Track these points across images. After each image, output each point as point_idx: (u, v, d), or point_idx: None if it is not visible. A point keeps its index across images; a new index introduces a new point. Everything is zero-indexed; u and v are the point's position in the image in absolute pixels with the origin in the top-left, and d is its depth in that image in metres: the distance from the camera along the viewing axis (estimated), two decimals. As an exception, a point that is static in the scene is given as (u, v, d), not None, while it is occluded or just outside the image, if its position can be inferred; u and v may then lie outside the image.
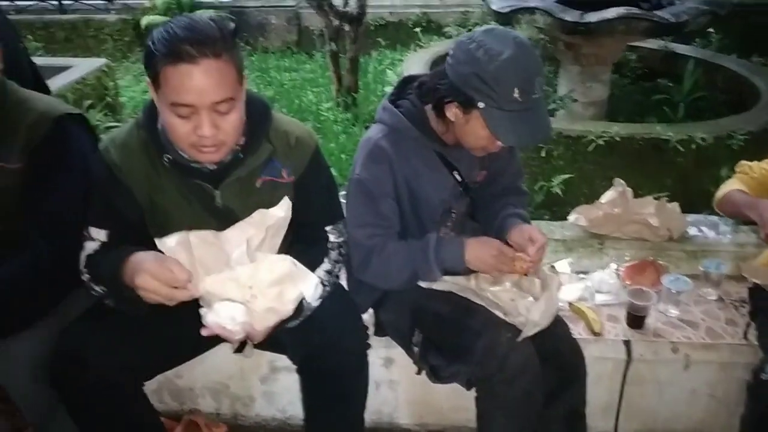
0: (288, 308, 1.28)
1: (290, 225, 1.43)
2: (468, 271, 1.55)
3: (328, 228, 1.50)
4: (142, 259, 1.24)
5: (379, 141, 1.49)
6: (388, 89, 4.27)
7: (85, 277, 1.36)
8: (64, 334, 1.37)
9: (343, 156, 3.57)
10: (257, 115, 1.39)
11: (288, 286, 1.27)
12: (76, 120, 1.47)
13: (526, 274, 1.51)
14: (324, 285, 1.44)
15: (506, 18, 3.40)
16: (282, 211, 1.38)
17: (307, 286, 1.32)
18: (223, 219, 1.38)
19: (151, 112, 1.36)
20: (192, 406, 1.93)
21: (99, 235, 1.38)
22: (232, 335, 1.27)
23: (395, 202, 1.52)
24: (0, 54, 1.41)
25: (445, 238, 1.55)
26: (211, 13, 5.21)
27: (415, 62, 3.86)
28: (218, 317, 1.24)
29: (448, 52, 1.41)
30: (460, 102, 1.38)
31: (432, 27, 5.55)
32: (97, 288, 1.35)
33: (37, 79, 2.92)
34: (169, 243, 1.29)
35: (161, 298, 1.21)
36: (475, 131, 1.40)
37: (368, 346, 1.50)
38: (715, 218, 2.08)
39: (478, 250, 1.50)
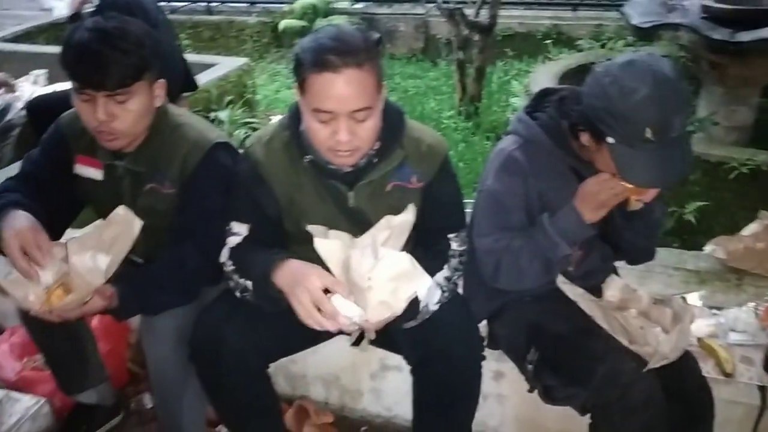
0: (400, 305, 1.31)
1: (414, 230, 1.46)
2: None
3: (450, 236, 1.52)
4: (305, 273, 1.30)
5: (513, 152, 1.48)
6: (513, 100, 4.26)
7: (229, 269, 1.47)
8: (205, 314, 1.49)
9: (461, 164, 3.58)
10: (392, 121, 1.44)
11: (404, 284, 1.30)
12: (223, 147, 1.60)
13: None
14: (443, 291, 1.46)
15: (646, 33, 3.27)
16: (408, 215, 1.42)
17: (422, 287, 1.33)
18: (354, 220, 1.45)
19: (295, 115, 1.46)
20: (303, 393, 2.02)
21: (241, 229, 1.49)
22: (347, 324, 1.31)
23: (525, 216, 1.50)
24: (164, 85, 1.55)
25: (554, 212, 1.46)
26: (344, 18, 5.43)
27: (544, 74, 3.80)
28: (339, 306, 1.29)
29: (587, 77, 1.37)
30: (591, 132, 1.35)
31: (562, 39, 5.42)
32: (240, 280, 1.44)
33: (187, 75, 3.19)
34: (329, 245, 1.36)
35: (308, 319, 1.28)
36: (605, 161, 1.35)
37: (483, 357, 1.50)
38: None
39: (582, 194, 1.41)
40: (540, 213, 1.50)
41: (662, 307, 1.46)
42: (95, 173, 1.62)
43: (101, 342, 1.89)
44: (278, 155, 1.47)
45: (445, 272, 1.48)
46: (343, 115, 1.30)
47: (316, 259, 1.35)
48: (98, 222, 1.54)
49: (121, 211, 1.52)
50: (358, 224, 1.45)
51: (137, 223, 1.52)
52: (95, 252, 1.45)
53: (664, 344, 1.38)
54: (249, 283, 1.43)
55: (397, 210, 1.46)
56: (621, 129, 1.27)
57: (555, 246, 1.44)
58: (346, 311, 1.29)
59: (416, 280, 1.31)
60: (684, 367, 1.46)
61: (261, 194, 1.48)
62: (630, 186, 1.34)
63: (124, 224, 1.52)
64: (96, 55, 1.39)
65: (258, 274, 1.39)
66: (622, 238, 1.56)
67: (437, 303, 1.43)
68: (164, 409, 1.67)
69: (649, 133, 1.24)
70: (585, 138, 1.38)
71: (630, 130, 1.26)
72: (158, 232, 1.60)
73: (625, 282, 1.58)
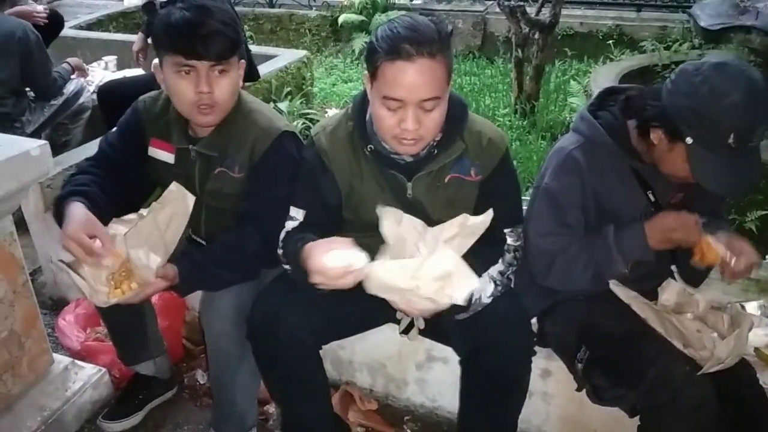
0: (445, 302, 1.32)
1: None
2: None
3: (506, 230, 1.53)
4: (312, 247, 1.34)
5: (573, 152, 1.48)
6: (571, 100, 4.20)
7: (280, 251, 1.53)
8: (263, 294, 1.55)
9: (515, 163, 3.54)
10: (455, 113, 1.46)
11: (450, 284, 1.30)
12: (290, 135, 1.66)
13: (722, 272, 1.40)
14: (496, 285, 1.47)
15: (715, 36, 3.17)
16: (485, 217, 1.41)
17: (468, 287, 1.32)
18: (411, 210, 1.47)
19: (361, 105, 1.50)
20: (349, 378, 2.05)
21: (298, 214, 1.54)
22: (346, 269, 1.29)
23: (582, 214, 1.50)
24: (244, 66, 1.61)
25: (622, 227, 1.47)
26: (402, 13, 5.44)
27: (605, 75, 3.73)
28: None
29: (668, 76, 1.36)
30: (668, 130, 1.33)
31: (624, 40, 5.30)
32: (285, 265, 1.51)
33: (251, 64, 3.28)
34: (387, 211, 1.39)
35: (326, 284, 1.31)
36: (676, 162, 1.34)
37: (534, 352, 1.50)
38: None
39: (658, 223, 1.42)
40: (596, 213, 1.49)
41: (720, 313, 1.43)
42: (168, 156, 1.70)
43: (160, 317, 1.97)
44: (342, 144, 1.51)
45: (499, 266, 1.49)
46: (412, 103, 1.32)
47: (370, 247, 1.36)
48: (154, 204, 1.60)
49: (174, 187, 1.59)
50: (414, 214, 1.46)
51: (190, 199, 1.59)
52: (149, 249, 1.51)
53: (720, 349, 1.35)
54: (289, 267, 1.49)
55: (454, 202, 1.48)
56: (705, 131, 1.25)
57: (612, 262, 1.45)
58: (342, 260, 1.28)
59: (463, 281, 1.31)
60: (740, 374, 1.42)
61: (324, 181, 1.53)
62: (708, 241, 1.35)
63: (178, 201, 1.59)
64: (201, 26, 1.47)
65: (292, 256, 1.45)
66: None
67: (490, 296, 1.45)
68: (219, 384, 1.73)
69: (732, 139, 1.23)
70: (656, 136, 1.36)
71: (714, 133, 1.25)
72: (223, 214, 1.67)
73: (681, 286, 1.56)
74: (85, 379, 1.96)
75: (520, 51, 4.18)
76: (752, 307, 1.83)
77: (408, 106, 1.33)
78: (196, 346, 2.22)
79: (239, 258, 1.60)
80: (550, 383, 1.79)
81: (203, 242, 1.76)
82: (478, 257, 1.40)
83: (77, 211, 1.50)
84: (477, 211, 1.48)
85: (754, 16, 3.10)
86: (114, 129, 1.76)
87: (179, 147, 1.67)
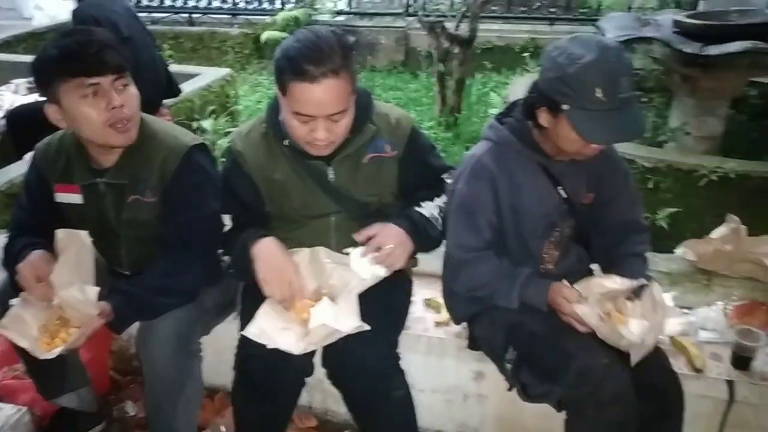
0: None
1: (412, 189, 1.65)
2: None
3: (444, 175, 1.68)
4: (261, 249, 1.51)
5: (482, 157, 1.56)
6: (492, 111, 4.33)
7: (224, 256, 1.63)
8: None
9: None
10: (362, 103, 1.55)
11: (330, 331, 1.46)
12: (199, 149, 1.64)
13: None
14: (440, 211, 1.63)
15: (620, 47, 3.36)
16: (373, 279, 1.54)
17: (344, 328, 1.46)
18: (335, 194, 1.57)
19: (274, 106, 1.57)
20: (286, 397, 2.03)
21: (226, 220, 1.62)
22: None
23: (494, 218, 1.56)
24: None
25: (535, 277, 1.56)
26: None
27: (522, 86, 3.87)
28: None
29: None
30: (548, 107, 1.42)
31: (539, 52, 5.51)
32: (225, 258, 1.59)
33: (170, 81, 3.23)
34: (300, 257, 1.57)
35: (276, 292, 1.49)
36: (565, 134, 1.42)
37: (393, 371, 1.56)
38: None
39: (560, 296, 1.51)
40: (511, 213, 1.55)
41: (637, 300, 1.50)
42: (75, 198, 1.64)
43: (84, 349, 1.87)
44: (256, 144, 1.58)
45: (441, 200, 1.66)
46: (321, 117, 1.40)
47: (299, 239, 1.55)
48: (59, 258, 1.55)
49: (60, 234, 1.54)
50: (339, 199, 1.58)
51: (83, 235, 1.56)
52: (81, 283, 1.47)
53: (640, 333, 1.42)
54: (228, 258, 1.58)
55: (376, 180, 1.60)
56: (574, 93, 1.35)
57: (509, 300, 1.55)
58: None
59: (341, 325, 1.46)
60: (655, 363, 1.50)
61: (241, 184, 1.59)
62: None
63: (74, 244, 1.54)
64: (92, 43, 1.45)
65: (239, 255, 1.54)
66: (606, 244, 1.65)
67: (437, 217, 1.62)
68: (157, 413, 1.67)
69: (599, 93, 1.32)
70: (543, 117, 1.45)
71: (582, 92, 1.34)
72: (144, 242, 1.63)
73: (598, 279, 1.61)
74: (3, 420, 1.84)
75: (441, 65, 4.29)
76: (666, 299, 1.94)
77: (318, 119, 1.40)
78: (123, 377, 2.14)
79: (176, 282, 1.57)
80: (483, 385, 1.84)
81: (126, 273, 1.71)
82: (423, 197, 1.63)
83: (36, 252, 1.54)
84: (406, 184, 1.62)
85: (655, 28, 3.32)
86: (22, 190, 1.72)
87: (84, 184, 1.62)
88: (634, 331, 1.44)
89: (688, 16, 3.26)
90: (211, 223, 1.60)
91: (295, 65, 1.35)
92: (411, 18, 5.83)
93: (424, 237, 1.57)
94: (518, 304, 1.55)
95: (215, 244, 1.62)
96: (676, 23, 3.22)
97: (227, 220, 1.66)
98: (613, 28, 3.40)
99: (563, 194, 1.57)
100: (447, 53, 4.27)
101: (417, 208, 1.60)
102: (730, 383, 1.69)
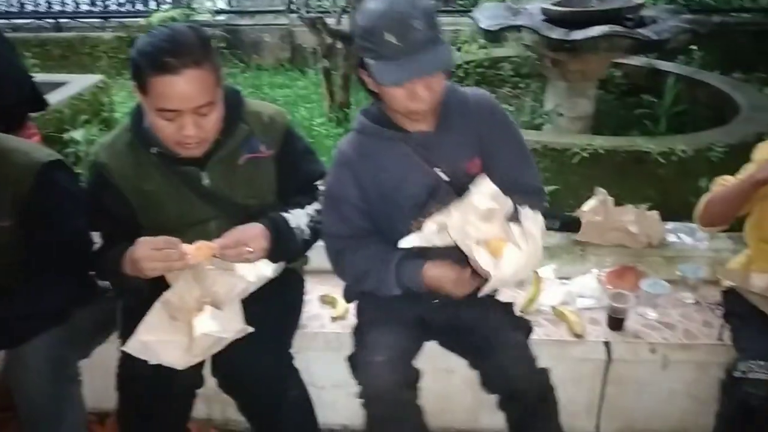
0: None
1: (284, 191, 1.62)
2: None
3: (318, 182, 1.63)
4: (133, 250, 1.41)
5: (342, 146, 1.56)
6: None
7: (95, 274, 1.53)
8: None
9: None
10: (231, 102, 1.51)
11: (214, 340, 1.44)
12: (55, 164, 1.54)
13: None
14: (311, 219, 1.59)
15: (494, 36, 3.50)
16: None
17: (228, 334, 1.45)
18: (212, 199, 1.52)
19: (138, 113, 1.49)
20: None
21: (96, 237, 1.52)
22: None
23: (361, 204, 1.54)
24: None
25: (408, 258, 1.51)
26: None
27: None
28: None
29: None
30: (364, 68, 1.41)
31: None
32: (102, 282, 1.50)
33: (35, 93, 2.98)
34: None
35: (159, 264, 1.37)
36: (384, 92, 1.41)
37: (287, 371, 1.57)
38: (693, 225, 2.14)
39: (436, 270, 1.48)
40: (379, 198, 1.52)
41: (516, 224, 1.41)
42: None
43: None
44: (122, 154, 1.50)
45: (315, 206, 1.61)
46: (187, 111, 1.35)
47: None
48: None
49: None
50: (217, 204, 1.53)
51: None
52: None
53: (513, 263, 1.38)
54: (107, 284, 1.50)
55: (253, 181, 1.55)
56: (370, 44, 1.35)
57: (389, 287, 1.52)
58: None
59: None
60: (507, 357, 1.50)
61: (108, 197, 1.51)
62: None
63: None
64: None
65: (110, 270, 1.45)
66: None
67: (306, 227, 1.57)
68: None
69: (391, 38, 1.32)
70: (368, 81, 1.44)
71: (375, 41, 1.34)
72: (2, 269, 1.51)
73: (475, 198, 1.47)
74: None
75: (326, 61, 4.28)
76: (546, 272, 2.05)
77: (184, 114, 1.35)
78: (2, 412, 1.98)
79: (40, 305, 1.48)
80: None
81: None
82: (296, 204, 1.57)
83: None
84: (281, 186, 1.59)
85: (525, 17, 3.49)
86: None
87: None
88: (507, 259, 1.37)
89: (554, 4, 3.45)
90: (76, 243, 1.51)
91: (153, 59, 1.31)
92: (293, 15, 5.78)
93: (284, 242, 1.52)
94: (401, 291, 1.52)
95: (83, 263, 1.53)
96: (544, 11, 3.41)
97: (97, 237, 1.57)
98: (486, 17, 3.55)
99: (444, 177, 1.50)
100: (331, 49, 4.26)
101: (284, 214, 1.55)
102: (607, 344, 1.81)
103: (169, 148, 1.45)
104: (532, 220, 1.41)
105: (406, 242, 1.45)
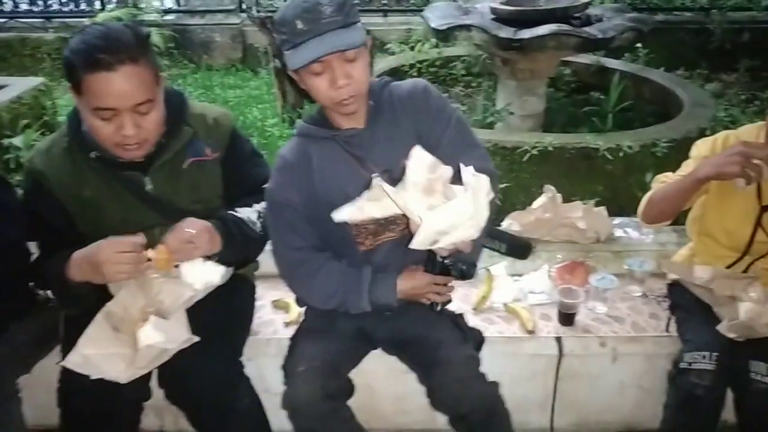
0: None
1: (230, 196, 1.59)
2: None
3: (265, 186, 1.58)
4: (95, 251, 1.35)
5: (282, 151, 1.54)
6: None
7: (31, 284, 1.48)
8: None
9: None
10: (174, 104, 1.48)
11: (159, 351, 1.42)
12: None
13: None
14: (259, 217, 1.57)
15: (444, 35, 3.52)
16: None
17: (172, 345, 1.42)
18: (156, 205, 1.48)
19: (75, 117, 1.44)
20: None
21: (34, 247, 1.46)
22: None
23: (303, 209, 1.51)
24: None
25: (378, 274, 1.50)
26: (154, 30, 5.18)
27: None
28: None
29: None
30: (283, 64, 1.40)
31: (376, 44, 5.65)
32: (42, 293, 1.45)
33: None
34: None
35: (126, 268, 1.33)
36: (309, 86, 1.39)
37: (237, 380, 1.54)
38: (639, 220, 2.20)
39: (409, 286, 1.49)
40: (314, 199, 1.48)
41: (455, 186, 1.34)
42: None
43: None
44: (59, 160, 1.45)
45: (263, 204, 1.57)
46: (126, 110, 1.31)
47: None
48: None
49: None
50: (161, 210, 1.48)
51: None
52: None
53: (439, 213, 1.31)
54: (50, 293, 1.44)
55: (198, 185, 1.52)
56: (285, 35, 1.35)
57: (359, 307, 1.50)
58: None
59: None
60: (452, 379, 1.47)
61: (42, 205, 1.45)
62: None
63: None
64: None
65: (53, 278, 1.40)
66: None
67: (258, 220, 1.56)
68: None
69: (301, 24, 1.32)
70: (299, 79, 1.40)
71: (287, 30, 1.33)
72: None
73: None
74: None
75: (278, 61, 4.22)
76: (499, 269, 2.07)
77: (123, 113, 1.31)
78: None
79: None
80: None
81: None
82: (239, 205, 1.55)
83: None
84: (227, 190, 1.56)
85: (474, 16, 3.51)
86: None
87: None
88: (444, 207, 1.30)
89: (503, 3, 3.48)
90: (8, 254, 1.45)
91: (87, 57, 1.26)
92: (244, 14, 5.68)
93: (237, 233, 1.50)
94: (371, 308, 1.50)
95: (17, 274, 1.47)
96: (493, 10, 3.44)
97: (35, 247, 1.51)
98: (437, 17, 3.55)
99: (372, 171, 1.44)
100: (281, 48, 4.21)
101: (230, 212, 1.54)
102: (559, 339, 1.84)
103: (109, 152, 1.40)
104: (475, 178, 1.33)
105: (341, 214, 1.37)
